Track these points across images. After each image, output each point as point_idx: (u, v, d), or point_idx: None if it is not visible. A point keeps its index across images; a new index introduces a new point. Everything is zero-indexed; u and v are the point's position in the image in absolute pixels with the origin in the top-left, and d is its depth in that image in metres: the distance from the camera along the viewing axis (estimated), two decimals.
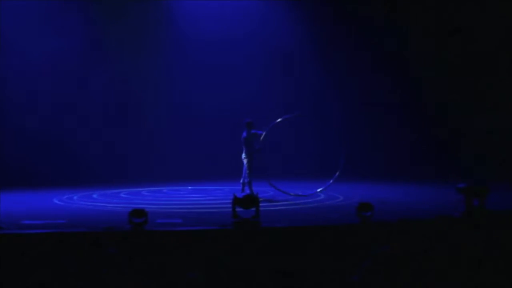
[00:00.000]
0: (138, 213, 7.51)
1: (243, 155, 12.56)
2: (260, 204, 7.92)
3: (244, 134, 12.59)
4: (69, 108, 18.07)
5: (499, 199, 10.03)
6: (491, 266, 6.40)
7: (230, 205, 7.93)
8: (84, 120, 18.36)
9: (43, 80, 17.63)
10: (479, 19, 17.47)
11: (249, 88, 18.85)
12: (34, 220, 9.23)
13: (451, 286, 6.09)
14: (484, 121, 17.68)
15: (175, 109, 19.29)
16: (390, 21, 18.68)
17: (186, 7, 19.01)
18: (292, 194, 13.01)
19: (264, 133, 12.65)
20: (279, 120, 13.19)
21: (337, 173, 13.23)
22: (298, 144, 19.30)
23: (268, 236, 7.51)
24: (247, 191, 12.16)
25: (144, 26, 18.69)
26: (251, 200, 7.88)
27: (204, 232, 7.60)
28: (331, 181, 13.31)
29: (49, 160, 17.48)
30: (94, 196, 13.85)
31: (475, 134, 17.88)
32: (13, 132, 17.32)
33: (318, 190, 13.26)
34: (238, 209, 7.84)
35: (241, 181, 12.58)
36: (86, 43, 18.08)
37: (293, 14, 19.44)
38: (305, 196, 12.87)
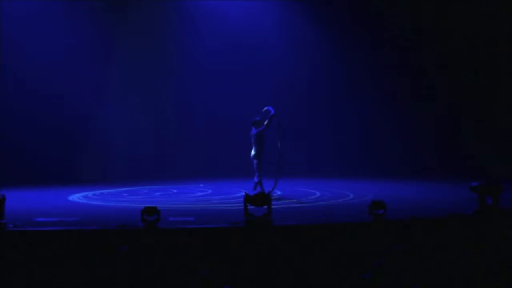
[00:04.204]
0: (151, 210, 7.54)
1: (252, 154, 12.37)
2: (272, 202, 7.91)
3: (253, 131, 12.46)
4: (84, 106, 18.16)
5: None
6: (505, 264, 6.35)
7: (242, 203, 7.94)
8: (98, 119, 18.46)
9: (56, 79, 17.71)
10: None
11: (263, 90, 18.74)
12: (47, 217, 9.29)
13: (464, 284, 6.05)
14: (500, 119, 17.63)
15: (185, 108, 19.37)
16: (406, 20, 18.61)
17: (197, 8, 19.01)
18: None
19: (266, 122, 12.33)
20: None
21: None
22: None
23: (280, 234, 7.51)
24: (259, 189, 12.11)
25: (155, 26, 18.78)
26: (262, 198, 7.87)
27: (216, 230, 7.62)
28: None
29: (63, 157, 17.60)
30: (108, 193, 13.91)
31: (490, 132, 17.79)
32: (27, 130, 17.43)
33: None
34: (250, 207, 7.84)
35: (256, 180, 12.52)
36: (97, 42, 18.18)
37: (307, 15, 19.37)
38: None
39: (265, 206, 7.81)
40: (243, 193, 8.10)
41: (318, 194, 13.14)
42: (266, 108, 12.60)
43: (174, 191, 14.53)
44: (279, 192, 12.88)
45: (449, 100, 18.59)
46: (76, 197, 13.18)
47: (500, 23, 17.49)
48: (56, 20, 17.67)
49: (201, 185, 15.68)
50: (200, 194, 13.86)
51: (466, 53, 18.04)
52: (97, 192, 14.17)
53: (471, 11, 17.69)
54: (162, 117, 19.30)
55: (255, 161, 12.35)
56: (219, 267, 6.84)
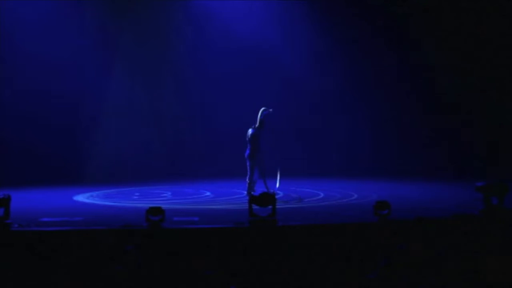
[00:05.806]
0: (155, 210, 7.55)
1: (247, 154, 12.27)
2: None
3: (251, 131, 12.41)
4: (88, 106, 18.18)
5: None
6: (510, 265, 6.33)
7: (246, 204, 7.94)
8: (102, 119, 18.49)
9: (62, 79, 17.74)
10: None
11: (265, 90, 18.66)
12: (52, 217, 9.31)
13: (469, 284, 6.04)
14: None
15: (189, 108, 19.38)
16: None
17: (201, 8, 19.01)
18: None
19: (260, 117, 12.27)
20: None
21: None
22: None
23: (285, 234, 7.51)
24: (263, 189, 12.06)
25: (159, 27, 18.81)
26: (267, 199, 7.87)
27: (220, 230, 7.62)
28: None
29: (68, 157, 17.62)
30: (113, 194, 13.93)
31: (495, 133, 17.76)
32: (32, 129, 17.44)
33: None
34: (254, 207, 7.84)
35: (259, 180, 12.45)
36: (102, 43, 18.19)
37: (311, 15, 19.31)
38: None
39: (270, 206, 7.81)
40: (245, 194, 8.11)
41: (322, 194, 13.12)
42: (263, 108, 12.61)
43: (169, 193, 14.37)
44: (280, 193, 12.87)
45: (453, 99, 18.53)
46: (81, 197, 13.20)
47: (504, 23, 17.46)
48: (62, 21, 17.70)
49: (203, 185, 15.69)
50: (206, 194, 13.87)
51: (470, 53, 17.98)
52: (102, 192, 14.19)
53: (480, 10, 17.64)
54: (164, 117, 19.30)
55: (249, 162, 12.27)
56: (224, 267, 6.84)
